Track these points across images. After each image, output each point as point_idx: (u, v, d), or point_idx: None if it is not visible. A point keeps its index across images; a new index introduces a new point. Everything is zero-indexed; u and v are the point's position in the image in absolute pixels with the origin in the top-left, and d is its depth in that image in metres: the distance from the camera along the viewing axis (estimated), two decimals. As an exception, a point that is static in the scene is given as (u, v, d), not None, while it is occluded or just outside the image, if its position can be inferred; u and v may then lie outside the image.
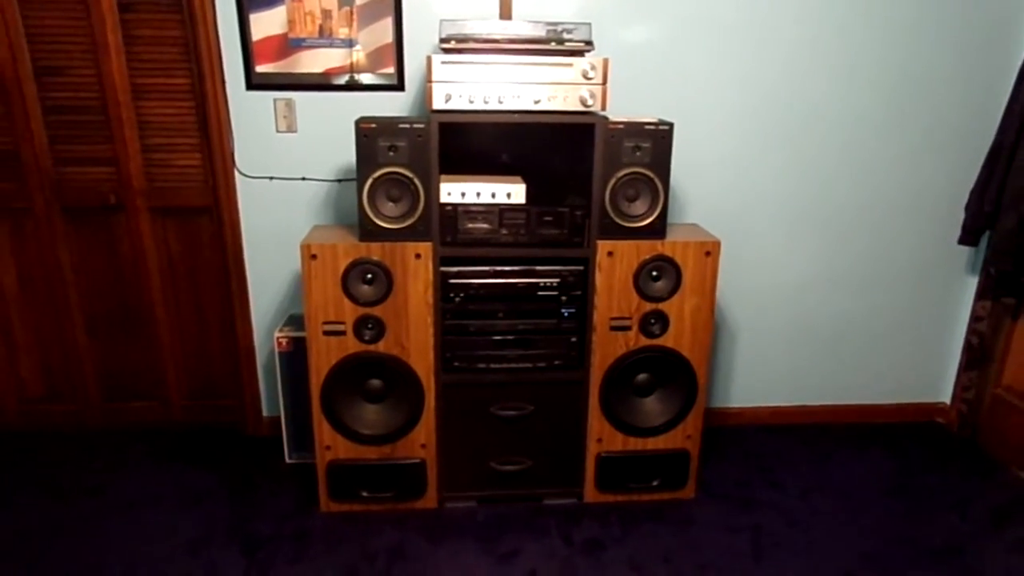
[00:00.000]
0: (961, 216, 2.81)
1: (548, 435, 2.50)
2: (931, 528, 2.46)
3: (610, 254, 2.32)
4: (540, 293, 2.36)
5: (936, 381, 3.16)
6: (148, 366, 2.96)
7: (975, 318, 2.96)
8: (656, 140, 2.23)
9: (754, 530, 2.44)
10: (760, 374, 3.08)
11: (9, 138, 2.63)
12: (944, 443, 3.01)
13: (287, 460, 2.78)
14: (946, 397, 3.16)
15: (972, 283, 2.99)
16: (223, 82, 2.56)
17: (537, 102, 2.20)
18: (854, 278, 2.97)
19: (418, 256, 2.27)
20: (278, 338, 2.63)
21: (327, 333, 2.30)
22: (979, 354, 2.96)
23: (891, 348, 3.09)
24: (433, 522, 2.45)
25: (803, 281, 2.96)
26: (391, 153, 2.18)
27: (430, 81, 2.16)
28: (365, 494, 2.47)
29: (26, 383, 2.96)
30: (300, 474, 2.68)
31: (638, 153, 2.23)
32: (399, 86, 2.61)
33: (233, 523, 2.43)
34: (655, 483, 2.55)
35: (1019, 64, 2.57)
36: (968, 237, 2.79)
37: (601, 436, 2.49)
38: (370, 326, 2.31)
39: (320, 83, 2.59)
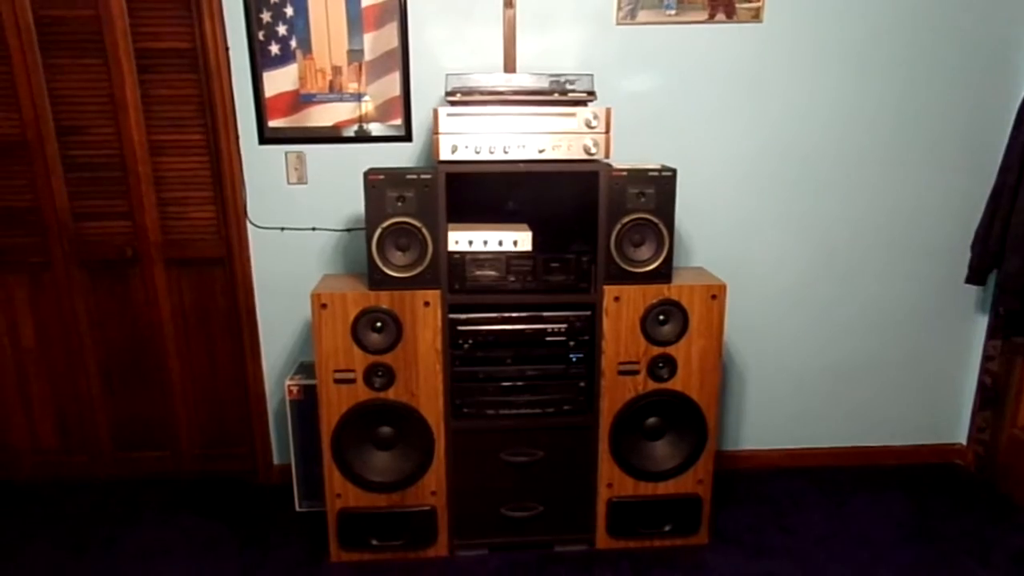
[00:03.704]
0: (967, 255, 2.81)
1: (559, 481, 2.48)
2: (951, 575, 2.41)
3: (617, 299, 2.34)
4: (548, 339, 2.38)
5: (951, 422, 3.13)
6: (160, 416, 2.98)
7: (987, 357, 2.95)
8: (659, 186, 2.27)
9: (769, 577, 2.40)
10: (771, 416, 3.06)
11: (31, 195, 2.71)
12: (961, 485, 2.96)
13: (297, 508, 2.77)
14: (962, 438, 3.12)
15: (982, 322, 2.98)
16: (237, 137, 2.64)
17: (541, 151, 2.25)
18: (863, 318, 2.97)
19: (427, 304, 2.30)
20: (289, 386, 2.65)
21: (338, 381, 2.32)
22: (993, 394, 2.94)
23: (904, 388, 3.06)
24: (444, 571, 2.43)
25: (812, 322, 2.96)
26: (399, 203, 2.22)
27: (436, 133, 2.22)
28: (375, 543, 2.45)
29: (40, 435, 2.99)
30: (310, 523, 2.67)
31: (642, 199, 2.27)
32: (407, 137, 2.68)
33: (243, 573, 2.42)
34: (667, 528, 2.52)
35: (1018, 104, 2.61)
36: (975, 276, 2.79)
37: (611, 481, 2.48)
38: (380, 373, 2.33)
39: (330, 135, 2.66)
